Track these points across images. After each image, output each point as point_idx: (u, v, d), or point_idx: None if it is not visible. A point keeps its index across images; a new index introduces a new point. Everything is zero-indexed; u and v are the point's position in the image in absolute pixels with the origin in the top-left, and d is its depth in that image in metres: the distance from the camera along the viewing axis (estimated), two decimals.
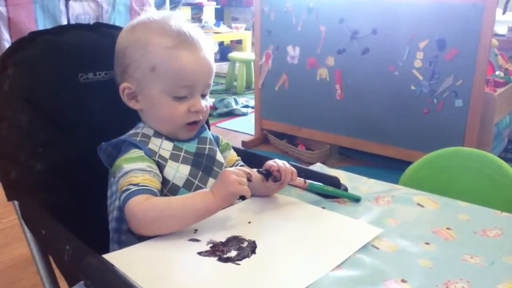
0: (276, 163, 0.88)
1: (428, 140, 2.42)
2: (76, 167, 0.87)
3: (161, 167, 0.84)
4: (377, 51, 2.56)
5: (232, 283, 0.64)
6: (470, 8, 2.22)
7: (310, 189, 0.94)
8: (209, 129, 0.99)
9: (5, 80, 0.83)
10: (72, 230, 0.72)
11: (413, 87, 2.47)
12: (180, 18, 0.87)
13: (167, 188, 0.83)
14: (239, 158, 1.00)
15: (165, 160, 0.85)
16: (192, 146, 0.90)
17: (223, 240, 0.75)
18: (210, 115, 0.99)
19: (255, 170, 0.95)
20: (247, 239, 0.76)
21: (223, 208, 0.81)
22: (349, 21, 2.63)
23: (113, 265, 0.63)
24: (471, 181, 1.23)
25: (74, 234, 0.71)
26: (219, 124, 3.70)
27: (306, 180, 0.91)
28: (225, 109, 3.99)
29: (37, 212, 0.80)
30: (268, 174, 0.87)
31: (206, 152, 0.91)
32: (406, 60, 2.46)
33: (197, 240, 0.75)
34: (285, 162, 0.90)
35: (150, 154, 0.83)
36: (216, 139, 0.98)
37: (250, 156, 1.05)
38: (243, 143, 3.17)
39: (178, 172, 0.85)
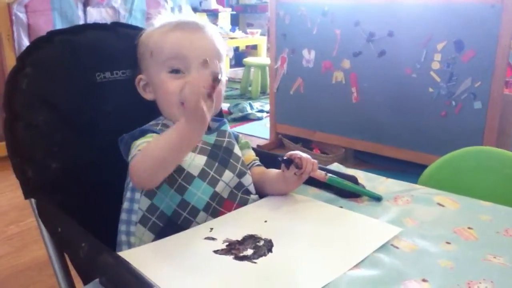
0: (297, 152, 0.88)
1: (446, 143, 2.38)
2: (90, 167, 0.87)
3: None
4: (393, 53, 2.53)
5: (249, 281, 0.63)
6: (488, 9, 2.19)
7: (330, 183, 0.92)
8: None
9: (23, 78, 0.84)
10: (87, 230, 0.72)
11: (430, 90, 2.44)
12: (192, 15, 0.92)
13: (182, 177, 0.83)
14: (257, 158, 1.00)
15: None
16: (211, 138, 0.90)
17: (239, 238, 0.74)
18: None
19: (273, 169, 0.94)
20: (263, 237, 0.75)
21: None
22: (364, 23, 2.61)
23: (128, 263, 0.63)
24: (491, 181, 1.20)
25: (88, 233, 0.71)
26: (234, 129, 3.69)
27: (327, 173, 0.90)
28: (240, 114, 3.99)
29: (53, 210, 0.80)
30: (289, 162, 0.86)
31: (224, 145, 0.91)
32: (423, 62, 2.43)
33: (213, 239, 0.74)
34: (306, 154, 0.89)
35: None
36: (236, 137, 0.98)
37: (266, 156, 1.04)
38: (258, 147, 3.16)
39: (194, 161, 0.85)
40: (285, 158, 0.87)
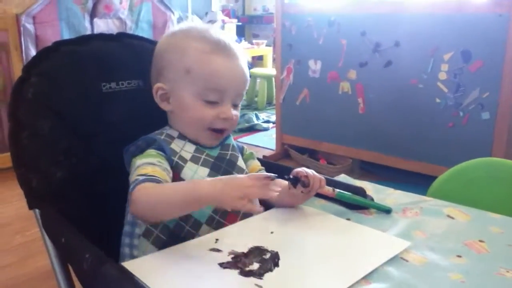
0: (304, 169, 0.86)
1: (453, 154, 2.36)
2: (95, 176, 0.87)
3: (179, 168, 0.83)
4: (400, 63, 2.52)
5: None
6: (495, 19, 2.18)
7: (339, 198, 0.90)
8: None
9: (29, 88, 0.84)
10: (90, 240, 0.71)
11: (437, 100, 2.42)
12: (219, 29, 0.89)
13: None
14: (263, 168, 0.99)
15: (185, 161, 0.85)
16: (214, 151, 0.90)
17: (245, 250, 0.73)
18: None
19: (280, 180, 0.92)
20: (269, 250, 0.73)
21: (217, 209, 0.81)
22: (371, 33, 2.61)
23: (132, 274, 0.62)
24: (501, 193, 1.18)
25: (92, 244, 0.70)
26: (240, 139, 3.70)
27: (335, 189, 0.89)
28: (246, 124, 3.99)
29: (57, 221, 0.79)
30: (296, 181, 0.85)
31: (228, 157, 0.90)
32: (430, 72, 2.42)
33: (218, 250, 0.73)
34: (313, 171, 0.87)
35: (171, 153, 0.84)
36: (241, 149, 0.97)
37: (273, 167, 1.02)
38: (264, 158, 3.15)
39: (197, 174, 0.84)
40: (291, 176, 0.85)
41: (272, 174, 0.73)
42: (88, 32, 3.00)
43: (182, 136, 0.88)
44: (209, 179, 0.74)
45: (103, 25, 3.10)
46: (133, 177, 0.79)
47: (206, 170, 0.86)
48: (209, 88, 0.85)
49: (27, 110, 0.84)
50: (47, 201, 0.83)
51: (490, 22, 2.19)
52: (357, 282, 0.65)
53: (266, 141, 3.62)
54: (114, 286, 0.60)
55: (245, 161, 0.96)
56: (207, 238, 0.78)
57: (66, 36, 2.87)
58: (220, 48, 0.86)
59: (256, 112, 4.33)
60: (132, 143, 0.85)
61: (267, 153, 3.27)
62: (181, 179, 0.83)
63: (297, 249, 0.75)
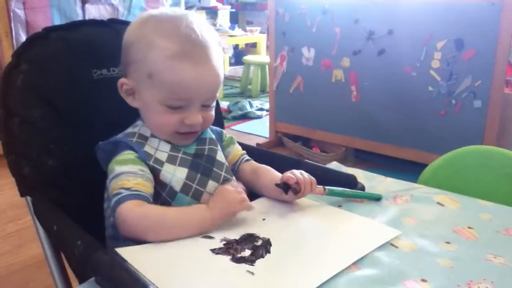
0: (294, 174, 0.84)
1: (445, 142, 2.37)
2: (87, 164, 0.86)
3: (156, 172, 0.80)
4: (393, 52, 2.52)
5: (246, 285, 0.62)
6: (488, 8, 2.18)
7: (330, 195, 0.88)
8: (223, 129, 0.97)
9: (18, 75, 0.83)
10: (82, 228, 0.71)
11: (430, 88, 2.43)
12: (194, 19, 0.80)
13: (165, 192, 0.81)
14: (244, 152, 0.97)
15: (161, 163, 0.82)
16: (191, 148, 0.87)
17: (237, 237, 0.73)
18: (224, 118, 0.96)
19: (266, 171, 0.92)
20: (261, 237, 0.74)
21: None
22: (364, 21, 2.60)
23: (124, 260, 0.62)
24: (491, 181, 1.19)
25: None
26: (234, 127, 3.70)
27: (326, 187, 0.87)
28: (240, 112, 3.98)
29: (49, 208, 0.79)
30: (286, 188, 0.83)
31: (206, 153, 0.87)
32: (423, 60, 2.42)
33: (210, 237, 0.73)
34: (303, 172, 0.85)
35: (145, 157, 0.81)
36: (220, 134, 0.95)
37: (266, 155, 1.03)
38: (258, 145, 3.15)
39: (175, 176, 0.82)
40: (281, 184, 0.83)
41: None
42: (80, 18, 2.97)
43: (155, 135, 0.85)
44: (200, 206, 0.77)
45: (94, 11, 3.06)
46: (113, 187, 0.76)
47: (184, 171, 0.83)
48: (173, 98, 0.79)
49: (17, 98, 0.83)
50: (38, 188, 0.83)
51: (483, 11, 2.20)
52: (347, 268, 0.66)
53: (259, 129, 3.62)
54: (105, 272, 0.60)
55: (226, 147, 0.95)
56: None
57: (57, 22, 2.83)
58: (187, 50, 0.77)
59: (250, 100, 4.32)
60: (103, 142, 0.82)
61: (261, 141, 3.27)
62: (161, 182, 0.80)
63: (289, 236, 0.75)
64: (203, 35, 0.79)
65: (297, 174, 0.84)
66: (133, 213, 0.72)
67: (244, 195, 0.77)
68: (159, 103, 0.80)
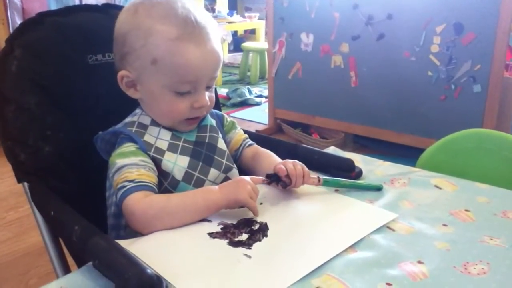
0: (286, 166, 0.81)
1: (445, 127, 2.36)
2: (84, 150, 0.86)
3: (157, 162, 0.80)
4: (392, 36, 2.51)
5: (243, 269, 0.62)
6: None
7: (326, 186, 0.86)
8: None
9: (13, 61, 0.82)
10: (80, 214, 0.71)
11: (429, 73, 2.42)
12: (186, 1, 0.79)
13: (167, 181, 0.80)
14: (247, 136, 0.97)
15: (162, 153, 0.81)
16: (191, 135, 0.86)
17: (234, 222, 0.74)
18: (223, 105, 0.96)
19: (266, 155, 0.92)
20: (258, 221, 0.74)
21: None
22: (363, 6, 2.58)
23: (121, 246, 0.62)
24: (489, 164, 1.19)
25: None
26: (233, 114, 3.69)
27: (320, 178, 0.85)
28: (239, 99, 3.97)
29: (46, 194, 0.79)
30: (277, 180, 0.81)
31: (207, 141, 0.87)
32: (422, 45, 2.41)
33: (208, 221, 0.73)
34: (296, 163, 0.82)
35: (145, 148, 0.80)
36: (221, 119, 0.95)
37: (263, 140, 1.02)
38: (257, 132, 3.15)
39: (177, 164, 0.81)
40: (272, 175, 0.81)
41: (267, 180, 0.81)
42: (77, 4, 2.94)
43: (155, 123, 0.83)
44: (206, 188, 0.77)
45: None
46: (117, 181, 0.75)
47: (186, 159, 0.82)
48: (181, 81, 0.78)
49: (12, 84, 0.82)
50: (35, 174, 0.83)
51: None
52: (344, 250, 0.66)
53: (259, 115, 3.62)
54: (103, 257, 0.61)
55: (227, 132, 0.94)
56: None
57: (54, 8, 2.81)
58: (189, 32, 0.76)
59: (249, 86, 4.30)
60: (103, 133, 0.82)
61: (260, 127, 3.27)
62: (163, 172, 0.80)
63: (286, 220, 0.75)
64: (200, 15, 0.79)
65: (289, 166, 0.81)
66: (139, 204, 0.72)
67: (255, 195, 0.76)
68: (166, 90, 0.79)
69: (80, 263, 0.77)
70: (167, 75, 0.78)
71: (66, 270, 0.84)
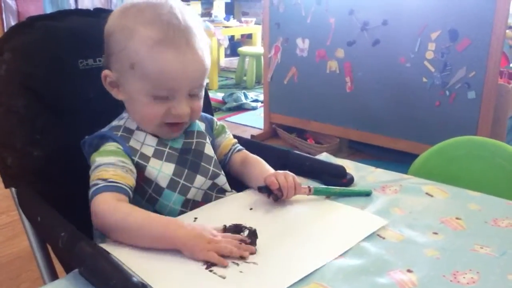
0: (278, 178, 0.80)
1: (439, 133, 2.37)
2: (73, 154, 0.85)
3: (141, 167, 0.79)
4: (388, 42, 2.51)
5: (230, 278, 0.61)
6: None
7: (317, 195, 0.86)
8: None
9: (1, 64, 0.82)
10: (69, 219, 0.70)
11: (424, 79, 2.42)
12: (176, 5, 0.78)
13: (151, 188, 0.80)
14: (236, 141, 0.96)
15: (147, 159, 0.80)
16: (178, 142, 0.85)
17: (223, 227, 0.73)
18: (219, 109, 0.95)
19: (255, 162, 0.91)
20: (248, 227, 0.73)
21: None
22: (359, 12, 2.59)
23: (107, 252, 0.61)
24: (482, 171, 1.19)
25: (71, 223, 0.69)
26: (228, 119, 3.68)
27: (311, 187, 0.85)
28: (235, 104, 3.96)
29: (33, 199, 0.78)
30: (268, 192, 0.81)
31: (193, 147, 0.85)
32: (417, 51, 2.41)
33: None
34: (288, 174, 0.81)
35: (130, 152, 0.79)
36: (211, 122, 0.94)
37: (254, 146, 1.02)
38: (252, 137, 3.15)
39: (161, 171, 0.80)
40: (263, 187, 0.80)
41: (246, 239, 0.68)
42: (73, 8, 2.94)
43: (141, 128, 0.82)
44: (185, 223, 0.69)
45: (87, 1, 3.04)
46: (92, 178, 0.74)
47: (171, 166, 0.81)
48: (158, 88, 0.77)
49: (1, 87, 0.82)
50: (23, 179, 0.82)
51: (477, 1, 2.19)
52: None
53: (254, 120, 3.61)
54: (89, 263, 0.60)
55: (216, 136, 0.94)
56: (185, 217, 0.78)
57: (50, 12, 2.81)
58: (170, 37, 0.74)
59: (245, 91, 4.30)
60: (89, 137, 0.81)
61: (255, 132, 3.26)
62: (146, 178, 0.79)
63: (276, 226, 0.75)
64: (186, 20, 0.77)
65: (281, 178, 0.80)
66: (103, 206, 0.70)
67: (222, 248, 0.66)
68: (143, 94, 0.78)
69: (67, 269, 0.76)
70: (145, 81, 0.77)
71: (54, 276, 0.83)
